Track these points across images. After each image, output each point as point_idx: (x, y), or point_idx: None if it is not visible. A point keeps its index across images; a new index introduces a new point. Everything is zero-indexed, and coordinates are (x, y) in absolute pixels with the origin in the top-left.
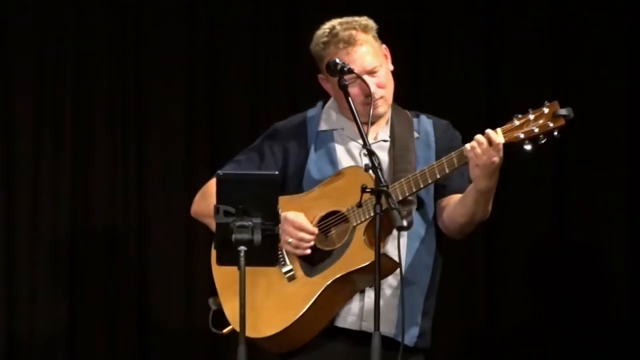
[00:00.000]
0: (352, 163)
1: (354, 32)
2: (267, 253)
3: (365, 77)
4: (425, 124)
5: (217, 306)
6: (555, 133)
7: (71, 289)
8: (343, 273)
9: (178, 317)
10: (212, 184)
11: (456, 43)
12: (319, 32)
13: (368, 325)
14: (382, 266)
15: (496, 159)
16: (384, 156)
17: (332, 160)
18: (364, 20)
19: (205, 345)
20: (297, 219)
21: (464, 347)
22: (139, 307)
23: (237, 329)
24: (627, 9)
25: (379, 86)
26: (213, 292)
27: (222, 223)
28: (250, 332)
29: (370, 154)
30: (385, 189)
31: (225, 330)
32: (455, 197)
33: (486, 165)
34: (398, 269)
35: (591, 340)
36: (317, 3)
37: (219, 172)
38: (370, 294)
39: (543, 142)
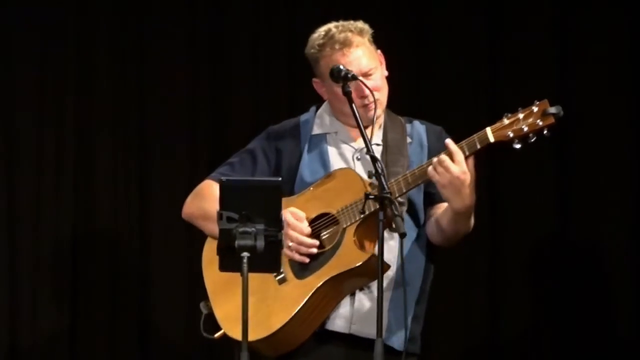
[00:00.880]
0: (344, 166)
1: (349, 34)
2: (269, 259)
3: (360, 78)
4: (418, 129)
5: (209, 310)
6: (545, 131)
7: (73, 292)
8: (334, 274)
9: (179, 321)
10: (204, 186)
11: (458, 43)
12: (315, 35)
13: (357, 329)
14: (374, 267)
15: (462, 176)
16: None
17: (325, 163)
18: (360, 24)
19: (207, 348)
20: (299, 226)
21: (465, 350)
22: (140, 310)
23: (229, 333)
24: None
25: (374, 89)
26: (204, 296)
27: (225, 229)
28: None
29: (374, 160)
30: (388, 195)
31: (216, 335)
32: (442, 206)
33: (453, 184)
34: (389, 271)
35: (594, 343)
36: (318, 5)
37: (222, 178)
38: (361, 297)
39: (533, 140)
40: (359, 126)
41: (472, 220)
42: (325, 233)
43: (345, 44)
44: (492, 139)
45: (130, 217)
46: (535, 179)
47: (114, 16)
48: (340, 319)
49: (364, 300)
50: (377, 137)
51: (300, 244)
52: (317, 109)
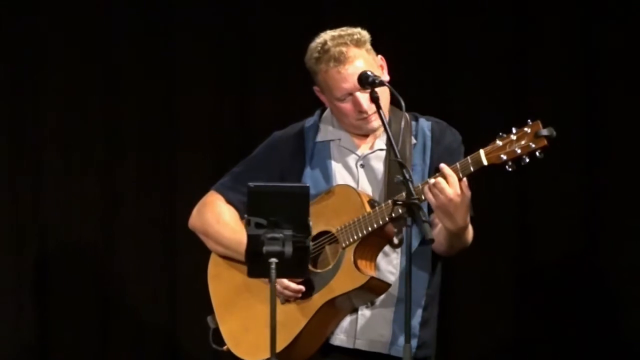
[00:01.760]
0: (347, 176)
1: (344, 48)
2: (297, 265)
3: (358, 93)
4: (423, 127)
5: (216, 325)
6: (538, 153)
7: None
8: (333, 297)
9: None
10: (207, 201)
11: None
12: (312, 46)
13: (362, 344)
14: (373, 288)
15: (455, 198)
16: (379, 166)
17: (327, 174)
18: (357, 34)
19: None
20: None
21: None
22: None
23: (233, 351)
24: None
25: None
26: (210, 310)
27: (254, 235)
28: (246, 356)
29: (401, 166)
30: (416, 201)
31: (225, 347)
32: None
33: (446, 206)
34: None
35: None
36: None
37: (249, 184)
38: (364, 312)
39: (526, 162)
40: (385, 130)
41: (470, 236)
42: (328, 249)
43: (340, 60)
44: (485, 162)
45: (161, 223)
46: (564, 194)
47: (143, 25)
48: (344, 334)
49: (368, 315)
50: (382, 141)
51: (286, 288)
52: (322, 112)
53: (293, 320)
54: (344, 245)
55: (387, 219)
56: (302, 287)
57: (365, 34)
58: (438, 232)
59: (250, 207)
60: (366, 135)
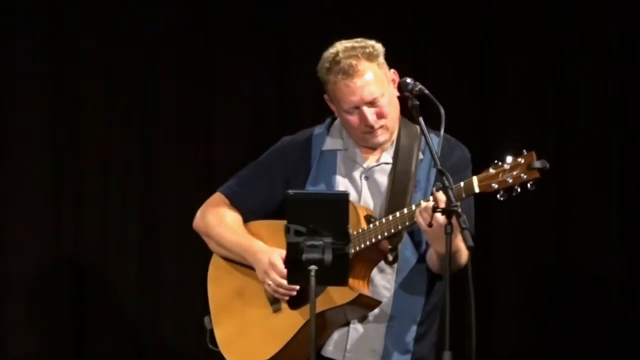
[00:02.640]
0: (350, 187)
1: (354, 61)
2: (336, 272)
3: (365, 108)
4: (432, 143)
5: (212, 326)
6: (529, 185)
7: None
8: (321, 310)
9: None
10: (212, 201)
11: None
12: (325, 55)
13: (352, 357)
14: (363, 304)
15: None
16: (383, 179)
17: (331, 184)
18: (370, 47)
19: None
20: (280, 270)
21: None
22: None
23: (224, 354)
24: None
25: (380, 116)
26: (208, 311)
27: (293, 242)
28: (236, 359)
29: (441, 173)
30: (456, 209)
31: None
32: None
33: (435, 230)
34: (384, 300)
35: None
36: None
37: (289, 191)
38: (356, 326)
39: (517, 192)
40: (425, 136)
41: (464, 259)
42: None
43: (349, 73)
44: (477, 190)
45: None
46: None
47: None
48: (334, 347)
49: (360, 329)
50: (388, 155)
51: (279, 286)
52: (332, 121)
53: (283, 330)
54: None
55: (385, 234)
56: (294, 291)
57: (378, 48)
58: (430, 253)
59: (289, 215)
60: (374, 148)
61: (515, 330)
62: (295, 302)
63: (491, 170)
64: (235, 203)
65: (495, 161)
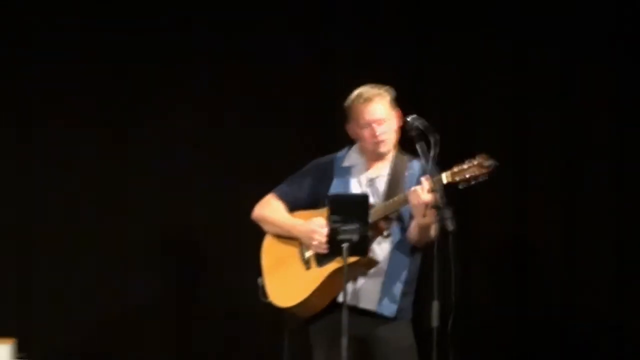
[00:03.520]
0: (359, 190)
1: (373, 94)
2: (360, 248)
3: (374, 125)
4: (415, 167)
5: (262, 284)
6: (481, 178)
7: None
8: (337, 267)
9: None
10: (266, 198)
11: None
12: (353, 92)
13: (357, 303)
14: (367, 264)
15: (427, 200)
16: (381, 185)
17: (346, 189)
18: (385, 90)
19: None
20: (320, 231)
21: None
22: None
23: (271, 300)
24: None
25: (383, 133)
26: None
27: (333, 228)
28: (280, 302)
29: (433, 176)
30: (439, 193)
31: (268, 300)
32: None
33: (420, 205)
34: (381, 263)
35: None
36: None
37: (329, 193)
38: (360, 280)
39: (473, 183)
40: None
41: (433, 233)
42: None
43: (367, 99)
44: (445, 181)
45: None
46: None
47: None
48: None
49: (361, 282)
50: (386, 169)
51: (317, 234)
52: (350, 146)
53: (310, 281)
54: None
55: (382, 216)
56: (325, 241)
57: (392, 91)
58: (412, 227)
59: (330, 209)
60: (377, 161)
61: (487, 286)
62: (320, 262)
63: (454, 169)
64: (286, 198)
65: (458, 163)
